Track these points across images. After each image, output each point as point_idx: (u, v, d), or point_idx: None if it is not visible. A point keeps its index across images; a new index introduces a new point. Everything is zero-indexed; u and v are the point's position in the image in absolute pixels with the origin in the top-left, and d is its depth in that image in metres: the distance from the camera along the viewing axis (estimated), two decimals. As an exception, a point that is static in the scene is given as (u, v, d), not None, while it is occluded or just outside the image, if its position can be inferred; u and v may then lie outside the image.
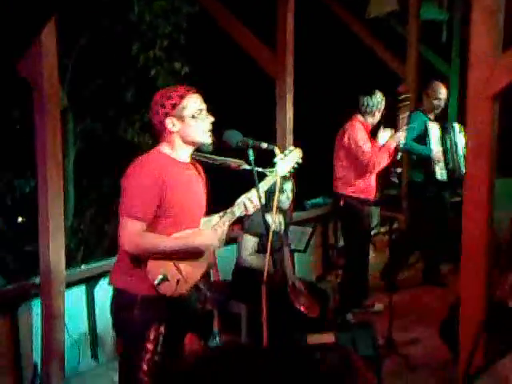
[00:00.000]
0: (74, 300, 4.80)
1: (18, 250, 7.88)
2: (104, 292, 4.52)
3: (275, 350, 1.42)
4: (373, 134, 5.79)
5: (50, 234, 4.37)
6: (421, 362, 4.76)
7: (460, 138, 6.35)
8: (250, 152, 3.10)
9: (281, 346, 1.42)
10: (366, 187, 5.78)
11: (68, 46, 7.36)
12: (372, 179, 5.81)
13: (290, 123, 6.00)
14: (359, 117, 5.75)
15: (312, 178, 6.40)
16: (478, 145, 3.92)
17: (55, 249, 4.41)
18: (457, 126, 6.45)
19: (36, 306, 4.52)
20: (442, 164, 6.30)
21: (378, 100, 5.71)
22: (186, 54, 8.23)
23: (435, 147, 6.30)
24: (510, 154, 6.47)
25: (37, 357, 4.50)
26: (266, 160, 3.39)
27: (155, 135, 3.19)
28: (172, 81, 8.01)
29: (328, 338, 4.23)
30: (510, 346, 3.35)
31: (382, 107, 5.75)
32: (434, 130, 6.34)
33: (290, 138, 5.98)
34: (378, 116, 5.76)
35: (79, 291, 4.95)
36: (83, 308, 4.98)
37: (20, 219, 8.87)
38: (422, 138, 6.28)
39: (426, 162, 6.32)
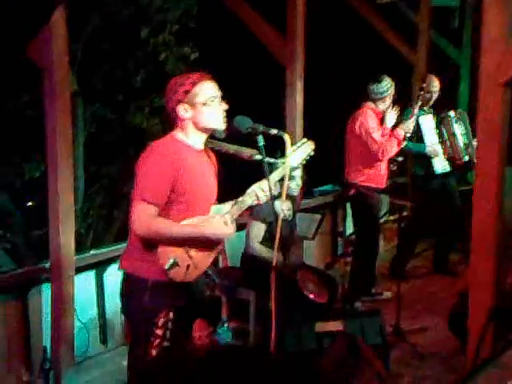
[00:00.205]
0: (83, 285, 4.81)
1: (28, 234, 7.91)
2: (113, 277, 4.54)
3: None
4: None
5: (60, 219, 4.37)
6: (429, 351, 4.74)
7: (458, 127, 6.31)
8: (260, 138, 3.09)
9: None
10: (377, 175, 5.75)
11: (78, 30, 7.35)
12: (383, 167, 5.79)
13: (300, 110, 5.97)
14: (370, 104, 5.72)
15: (320, 165, 6.38)
16: (488, 132, 3.89)
17: (65, 233, 4.41)
18: (453, 114, 6.38)
19: (46, 291, 4.53)
20: (440, 156, 6.28)
21: (388, 86, 5.66)
22: (195, 39, 8.21)
23: (429, 140, 6.26)
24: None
25: (46, 341, 4.52)
26: (277, 146, 3.38)
27: (168, 121, 3.19)
28: (181, 66, 8.00)
29: (336, 325, 4.24)
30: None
31: (392, 93, 5.71)
32: (427, 123, 6.29)
33: (299, 124, 5.96)
34: (388, 102, 5.71)
35: (89, 276, 4.96)
36: (93, 293, 5.00)
37: (30, 203, 8.90)
38: (418, 132, 6.22)
39: (425, 157, 6.30)
